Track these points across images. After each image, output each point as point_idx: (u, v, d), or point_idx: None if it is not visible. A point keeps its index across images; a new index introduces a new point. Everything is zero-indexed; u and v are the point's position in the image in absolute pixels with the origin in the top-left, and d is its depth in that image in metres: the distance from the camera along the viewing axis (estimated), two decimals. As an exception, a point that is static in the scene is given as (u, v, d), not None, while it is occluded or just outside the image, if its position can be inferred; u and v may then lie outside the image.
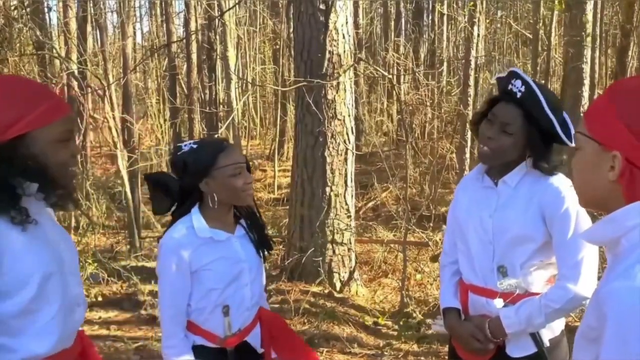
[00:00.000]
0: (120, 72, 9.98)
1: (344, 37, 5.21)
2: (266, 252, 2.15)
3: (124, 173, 7.07)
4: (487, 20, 12.12)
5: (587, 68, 5.63)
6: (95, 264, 5.76)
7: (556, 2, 7.72)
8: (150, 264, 5.98)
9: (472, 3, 6.88)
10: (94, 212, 8.15)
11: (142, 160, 9.36)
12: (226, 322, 2.00)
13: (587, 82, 5.71)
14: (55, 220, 1.75)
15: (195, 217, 1.99)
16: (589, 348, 1.09)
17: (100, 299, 5.30)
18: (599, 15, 8.69)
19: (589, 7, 5.50)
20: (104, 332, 4.69)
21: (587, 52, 5.56)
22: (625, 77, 1.25)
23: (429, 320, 4.73)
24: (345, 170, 5.33)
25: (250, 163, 2.05)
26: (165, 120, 11.92)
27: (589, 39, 5.57)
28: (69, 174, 1.60)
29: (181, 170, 1.98)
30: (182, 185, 1.99)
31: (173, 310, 1.98)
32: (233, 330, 2.01)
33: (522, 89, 1.86)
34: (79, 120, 7.85)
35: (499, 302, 1.94)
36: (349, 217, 5.40)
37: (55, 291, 1.57)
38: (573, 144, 1.88)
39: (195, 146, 1.99)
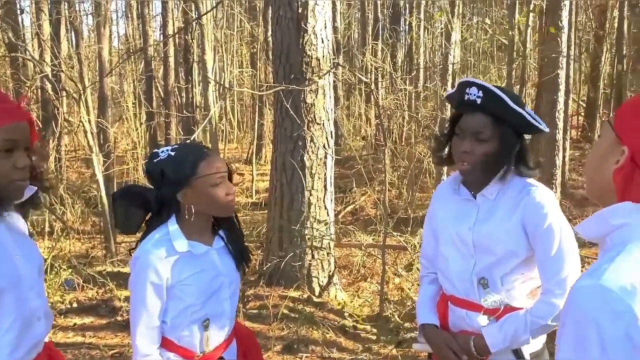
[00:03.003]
0: (96, 75, 9.86)
1: (322, 42, 5.21)
2: (245, 266, 2.05)
3: (100, 177, 6.97)
4: (463, 26, 12.24)
5: (562, 74, 5.71)
6: (70, 270, 5.66)
7: (531, 8, 7.84)
8: (127, 270, 5.90)
9: (440, 13, 6.93)
10: (68, 216, 8.01)
11: (118, 164, 9.25)
12: (205, 337, 1.91)
13: (562, 87, 5.79)
14: (21, 228, 1.69)
15: (172, 229, 1.87)
16: None
17: (75, 305, 5.21)
18: (573, 22, 8.84)
19: (565, 13, 5.58)
20: (79, 339, 4.61)
21: (562, 58, 5.64)
22: None
23: (407, 324, 4.74)
24: (325, 174, 5.33)
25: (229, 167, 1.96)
26: (141, 123, 11.78)
27: (564, 45, 5.65)
28: (11, 187, 1.52)
29: (159, 179, 1.86)
30: (158, 195, 1.87)
31: (146, 328, 1.85)
32: (211, 346, 1.93)
33: (480, 94, 1.82)
34: (53, 124, 7.72)
35: (482, 320, 1.91)
36: (328, 221, 5.39)
37: (6, 308, 1.51)
38: (547, 129, 1.92)
39: (173, 153, 1.86)
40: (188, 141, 7.20)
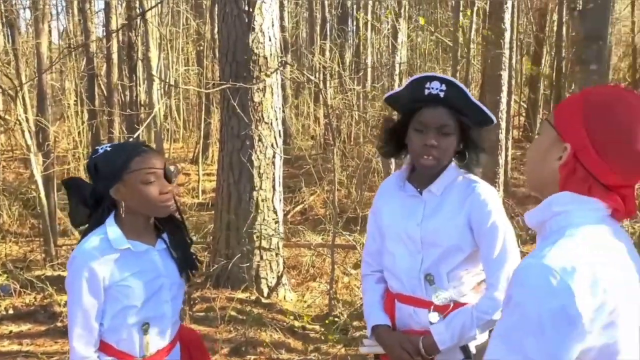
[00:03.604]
0: (34, 72, 9.49)
1: (270, 40, 5.16)
2: (190, 273, 1.99)
3: (38, 177, 6.71)
4: (409, 28, 12.41)
5: (505, 75, 5.85)
6: (6, 275, 5.42)
7: (469, 12, 8.01)
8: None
9: (388, 12, 7.00)
10: (5, 219, 7.68)
11: (59, 164, 8.93)
12: (145, 342, 1.85)
13: (505, 88, 5.92)
14: None
15: (110, 227, 1.82)
16: None
17: (11, 311, 4.98)
18: (514, 25, 9.08)
19: (507, 15, 5.72)
20: (15, 347, 4.40)
21: (505, 60, 5.78)
22: (604, 86, 1.38)
23: (355, 323, 4.75)
24: (273, 174, 5.28)
25: (173, 167, 1.87)
26: (83, 122, 11.42)
27: (506, 47, 5.78)
28: None
29: (93, 174, 1.82)
30: (94, 191, 1.83)
31: (83, 330, 1.80)
32: (151, 350, 1.87)
33: (443, 87, 1.84)
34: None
35: (433, 317, 1.92)
36: (277, 221, 5.34)
37: None
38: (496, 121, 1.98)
39: (109, 149, 1.83)
40: (131, 140, 7.01)
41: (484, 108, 1.90)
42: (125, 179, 1.79)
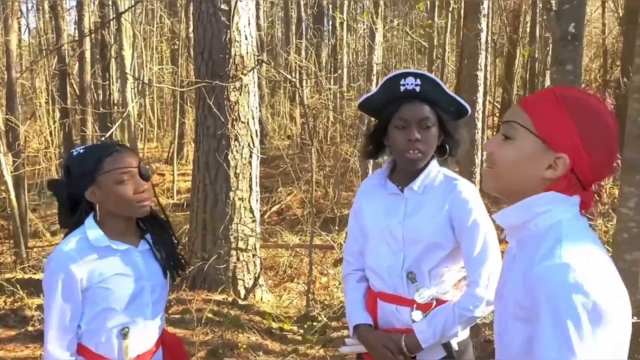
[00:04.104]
0: (4, 71, 9.28)
1: (246, 39, 5.11)
2: (176, 274, 1.94)
3: (8, 178, 6.56)
4: (385, 28, 12.45)
5: (481, 75, 5.89)
6: (-25, 278, 5.27)
7: (444, 15, 8.06)
8: (39, 276, 5.56)
9: (365, 14, 7.01)
10: (-27, 221, 7.50)
11: (30, 164, 8.75)
12: (124, 346, 1.80)
13: (481, 88, 5.97)
14: None
15: (90, 228, 1.78)
16: (520, 327, 1.17)
17: (-20, 316, 4.84)
18: (489, 26, 9.16)
19: (483, 15, 5.76)
20: (-16, 353, 4.28)
21: (481, 60, 5.82)
22: (569, 87, 1.32)
23: (334, 324, 4.73)
24: (250, 174, 5.23)
25: (149, 167, 1.84)
26: (55, 121, 11.23)
27: (482, 47, 5.83)
28: None
29: (67, 178, 1.78)
30: (70, 193, 1.79)
31: (60, 333, 1.74)
32: (131, 355, 1.82)
33: (418, 82, 1.86)
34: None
35: (417, 315, 1.92)
36: (254, 222, 5.30)
37: None
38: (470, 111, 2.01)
39: (82, 151, 1.78)
40: (103, 139, 6.89)
41: (459, 99, 1.93)
42: (98, 181, 1.74)
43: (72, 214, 1.82)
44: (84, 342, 1.80)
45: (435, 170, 1.96)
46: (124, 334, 1.80)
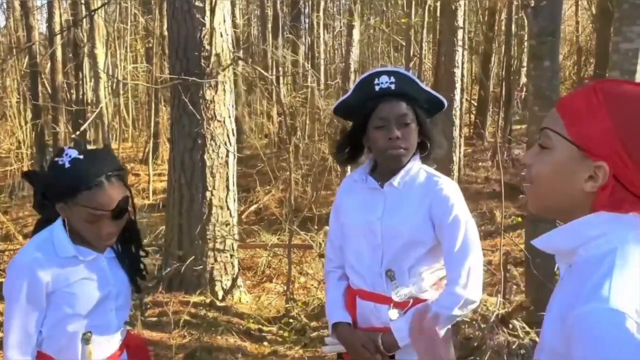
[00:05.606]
0: (-28, 69, 9.06)
1: (222, 36, 5.04)
2: (139, 282, 1.91)
3: (-23, 180, 6.38)
4: (362, 26, 12.44)
5: (458, 72, 5.90)
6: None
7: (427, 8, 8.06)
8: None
9: (344, 15, 6.97)
10: (-59, 224, 7.30)
11: (0, 165, 8.56)
12: (87, 352, 1.75)
13: (458, 86, 5.98)
14: None
15: (57, 232, 1.72)
16: None
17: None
18: (465, 23, 9.19)
19: (460, 13, 5.77)
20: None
21: (459, 57, 5.82)
22: (616, 80, 1.08)
23: (313, 324, 4.68)
24: (227, 173, 5.15)
25: (122, 199, 1.72)
26: (26, 122, 11.00)
27: (459, 44, 5.83)
28: None
29: (45, 177, 1.72)
30: (43, 194, 1.73)
31: (21, 339, 1.69)
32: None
33: (392, 79, 1.86)
34: None
35: (393, 313, 1.90)
36: (231, 222, 5.23)
37: None
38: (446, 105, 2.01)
39: (69, 165, 1.65)
40: (74, 136, 6.73)
41: (435, 93, 1.93)
42: (70, 205, 1.68)
43: (43, 208, 1.77)
44: (44, 348, 1.75)
45: (416, 168, 1.95)
46: (86, 339, 1.75)
